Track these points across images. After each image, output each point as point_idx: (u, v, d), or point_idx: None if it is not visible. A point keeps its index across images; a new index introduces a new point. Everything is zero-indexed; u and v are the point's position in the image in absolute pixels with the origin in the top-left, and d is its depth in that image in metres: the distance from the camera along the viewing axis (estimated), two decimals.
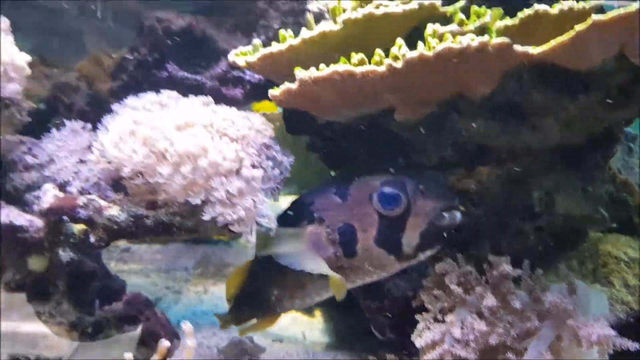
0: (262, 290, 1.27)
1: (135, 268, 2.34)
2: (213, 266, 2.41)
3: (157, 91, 1.44)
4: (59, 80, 1.58)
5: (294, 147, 1.35)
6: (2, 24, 1.26)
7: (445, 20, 1.19)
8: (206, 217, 1.04)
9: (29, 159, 1.30)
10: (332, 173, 1.75)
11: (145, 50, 1.46)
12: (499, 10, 1.15)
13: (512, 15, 1.14)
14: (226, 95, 1.53)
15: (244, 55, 1.26)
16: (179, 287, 2.21)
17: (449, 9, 1.19)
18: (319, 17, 1.56)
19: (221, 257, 2.47)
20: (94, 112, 1.45)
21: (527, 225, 1.32)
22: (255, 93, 1.55)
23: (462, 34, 1.07)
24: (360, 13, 1.09)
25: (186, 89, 1.49)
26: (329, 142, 1.55)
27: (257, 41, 1.31)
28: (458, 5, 1.19)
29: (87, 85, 1.56)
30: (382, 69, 1.02)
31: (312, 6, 1.56)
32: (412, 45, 1.09)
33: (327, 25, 1.12)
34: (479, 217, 1.33)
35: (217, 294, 2.12)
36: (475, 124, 1.14)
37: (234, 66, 1.53)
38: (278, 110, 1.71)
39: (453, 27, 1.09)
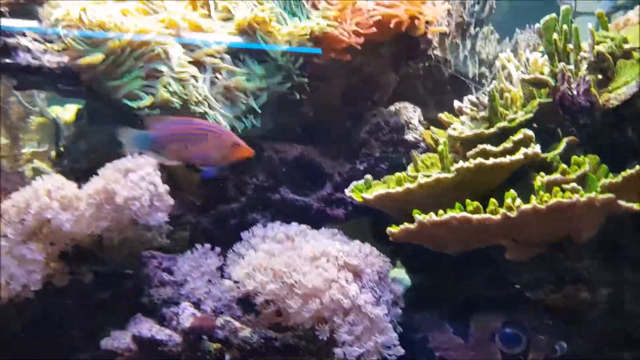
0: None
1: None
2: None
3: (275, 214, 1.63)
4: None
5: None
6: (151, 160, 1.48)
7: (544, 164, 1.33)
8: (338, 355, 1.16)
9: (165, 276, 1.47)
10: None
11: (263, 177, 1.65)
12: (595, 158, 1.28)
13: (606, 159, 1.28)
14: (330, 215, 1.68)
15: (359, 190, 1.42)
16: None
17: (549, 155, 1.32)
18: (414, 146, 1.73)
19: None
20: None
21: (626, 354, 1.37)
22: (355, 212, 1.70)
23: (566, 182, 1.20)
24: (472, 163, 1.24)
25: (296, 209, 1.67)
26: (415, 252, 1.66)
27: (369, 177, 1.48)
28: (556, 152, 1.33)
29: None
30: (497, 217, 1.14)
31: (409, 136, 1.73)
32: (511, 186, 1.24)
33: (440, 172, 1.28)
34: (576, 344, 1.39)
35: None
36: (579, 263, 1.24)
37: (337, 189, 1.71)
38: None
39: (557, 176, 1.22)
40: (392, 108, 1.83)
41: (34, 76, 1.66)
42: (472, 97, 1.58)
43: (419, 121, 1.84)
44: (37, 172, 2.47)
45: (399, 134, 1.71)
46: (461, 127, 1.49)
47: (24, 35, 1.58)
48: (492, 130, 1.42)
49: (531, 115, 1.40)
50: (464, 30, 1.91)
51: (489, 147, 1.34)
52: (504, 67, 1.96)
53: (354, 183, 1.46)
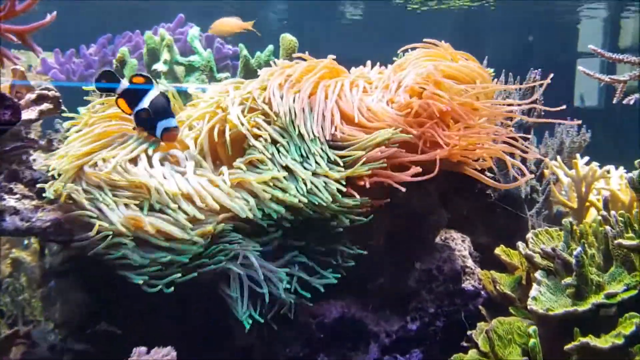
0: None
1: None
2: None
3: None
4: None
5: None
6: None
7: None
8: None
9: None
10: None
11: (298, 347, 1.37)
12: None
13: None
14: None
15: None
16: None
17: None
18: (474, 296, 1.47)
19: None
20: None
21: None
22: None
23: None
24: None
25: None
26: None
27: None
28: None
29: None
30: None
31: (468, 285, 1.47)
32: None
33: None
34: None
35: None
36: None
37: (384, 352, 1.44)
38: None
39: None
40: (438, 240, 1.57)
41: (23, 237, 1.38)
42: (547, 248, 1.32)
43: (470, 253, 1.59)
44: (17, 264, 2.19)
45: (455, 283, 1.45)
46: (543, 297, 1.24)
47: (12, 192, 1.28)
48: (585, 307, 1.17)
49: (635, 291, 1.16)
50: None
51: (592, 342, 1.09)
52: (555, 177, 1.73)
53: None
